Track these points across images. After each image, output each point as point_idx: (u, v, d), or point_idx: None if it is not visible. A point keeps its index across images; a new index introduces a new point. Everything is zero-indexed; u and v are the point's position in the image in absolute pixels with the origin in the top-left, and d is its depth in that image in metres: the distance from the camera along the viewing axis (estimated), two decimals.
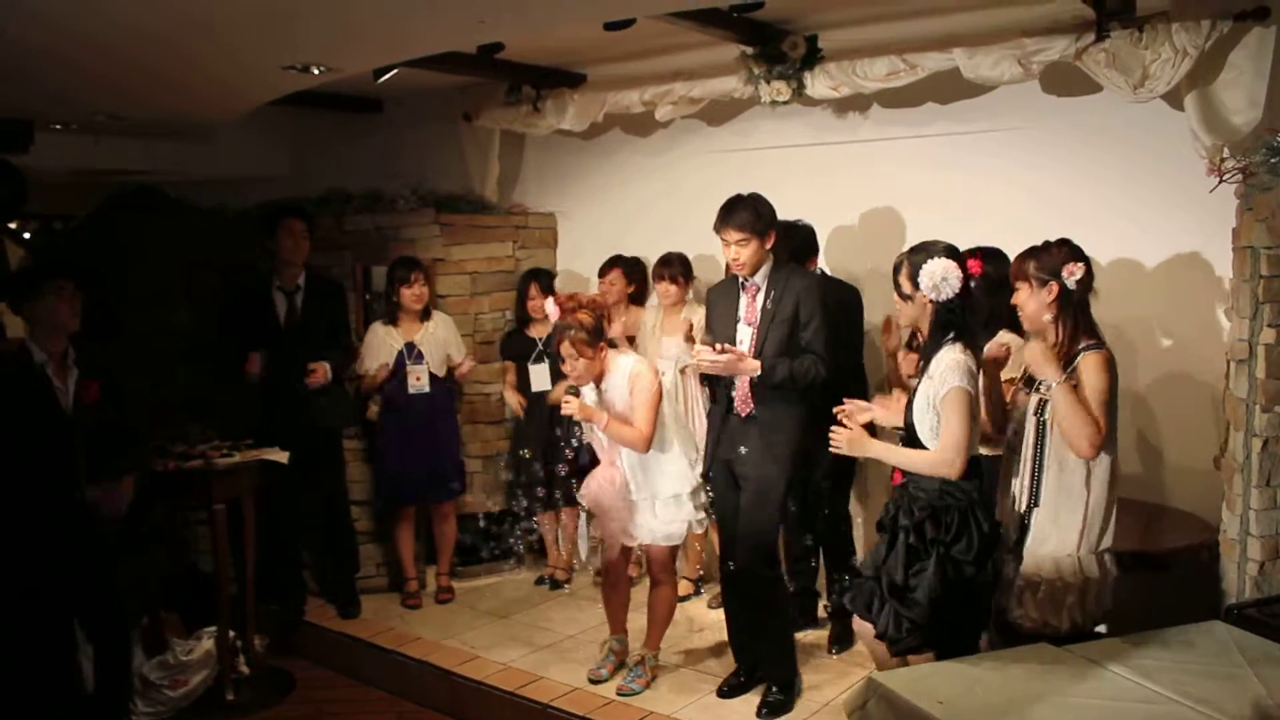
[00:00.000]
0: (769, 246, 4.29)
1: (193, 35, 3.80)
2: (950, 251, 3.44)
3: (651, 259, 5.70)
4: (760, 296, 4.32)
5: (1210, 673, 3.12)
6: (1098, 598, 3.44)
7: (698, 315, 5.44)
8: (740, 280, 4.35)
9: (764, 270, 4.32)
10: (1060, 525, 3.45)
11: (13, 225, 6.56)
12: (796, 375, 4.20)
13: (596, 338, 4.36)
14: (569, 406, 4.34)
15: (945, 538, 3.36)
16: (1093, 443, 3.38)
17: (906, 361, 4.28)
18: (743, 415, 4.34)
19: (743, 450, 4.32)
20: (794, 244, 4.70)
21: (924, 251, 3.45)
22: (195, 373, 5.84)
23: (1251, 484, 3.67)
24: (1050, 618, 3.42)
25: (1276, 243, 3.51)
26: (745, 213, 4.22)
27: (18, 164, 5.17)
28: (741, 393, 4.33)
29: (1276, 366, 3.59)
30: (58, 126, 5.37)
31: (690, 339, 5.34)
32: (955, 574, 3.35)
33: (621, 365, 4.43)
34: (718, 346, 4.19)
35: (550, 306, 4.45)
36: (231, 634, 4.98)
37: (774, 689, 4.44)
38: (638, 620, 4.80)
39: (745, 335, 4.32)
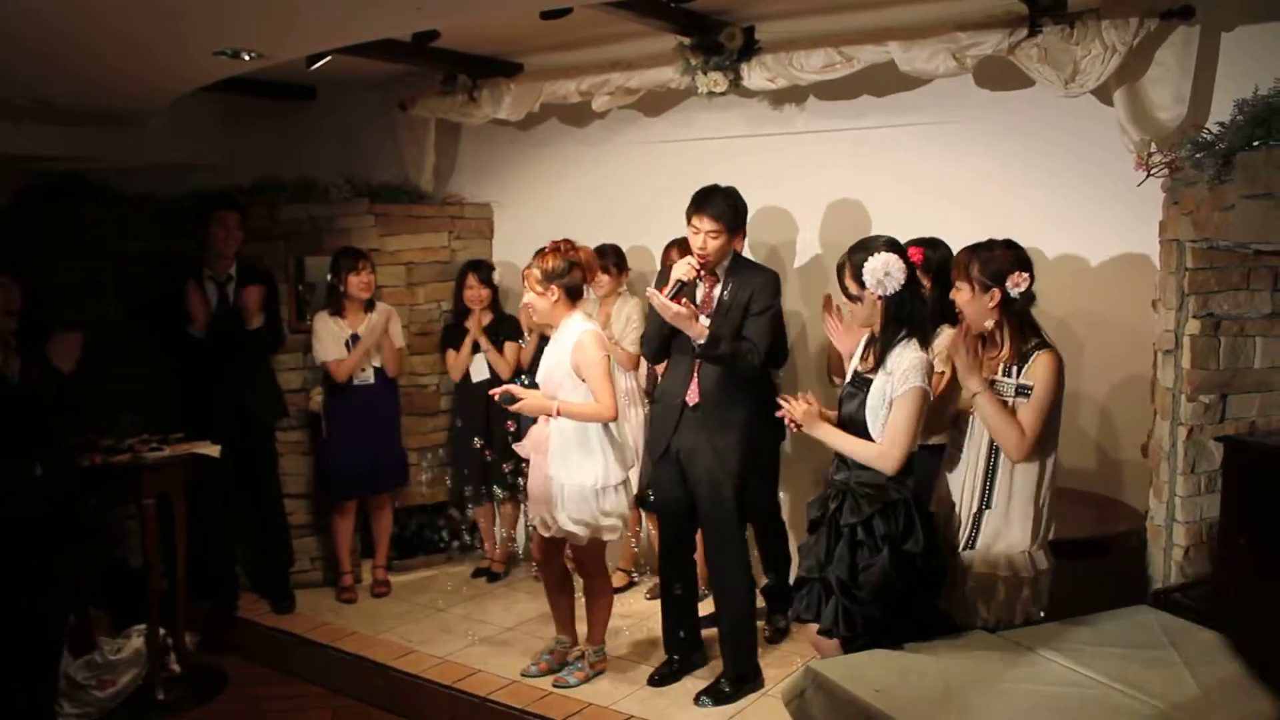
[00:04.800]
0: (734, 244, 4.30)
1: (130, 13, 3.71)
2: (891, 245, 3.41)
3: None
4: (718, 289, 4.31)
5: (1137, 656, 3.18)
6: (1048, 589, 3.48)
7: (630, 305, 5.45)
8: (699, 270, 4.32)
9: (724, 265, 4.31)
10: (1014, 524, 3.43)
11: None
12: (736, 355, 4.18)
13: (550, 279, 4.30)
14: (521, 405, 4.29)
15: (895, 533, 3.33)
16: (1019, 448, 3.37)
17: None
18: (690, 404, 4.33)
19: (691, 447, 4.32)
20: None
21: (864, 249, 3.41)
22: (126, 365, 5.71)
23: (1177, 471, 3.75)
24: (1003, 615, 3.45)
25: (1201, 236, 3.58)
26: (724, 204, 4.19)
27: None
28: (694, 384, 4.32)
29: (1201, 356, 3.67)
30: None
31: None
32: (909, 568, 3.33)
33: (571, 327, 4.35)
34: (682, 300, 4.15)
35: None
36: (162, 631, 4.89)
37: (723, 681, 4.42)
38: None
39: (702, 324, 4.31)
